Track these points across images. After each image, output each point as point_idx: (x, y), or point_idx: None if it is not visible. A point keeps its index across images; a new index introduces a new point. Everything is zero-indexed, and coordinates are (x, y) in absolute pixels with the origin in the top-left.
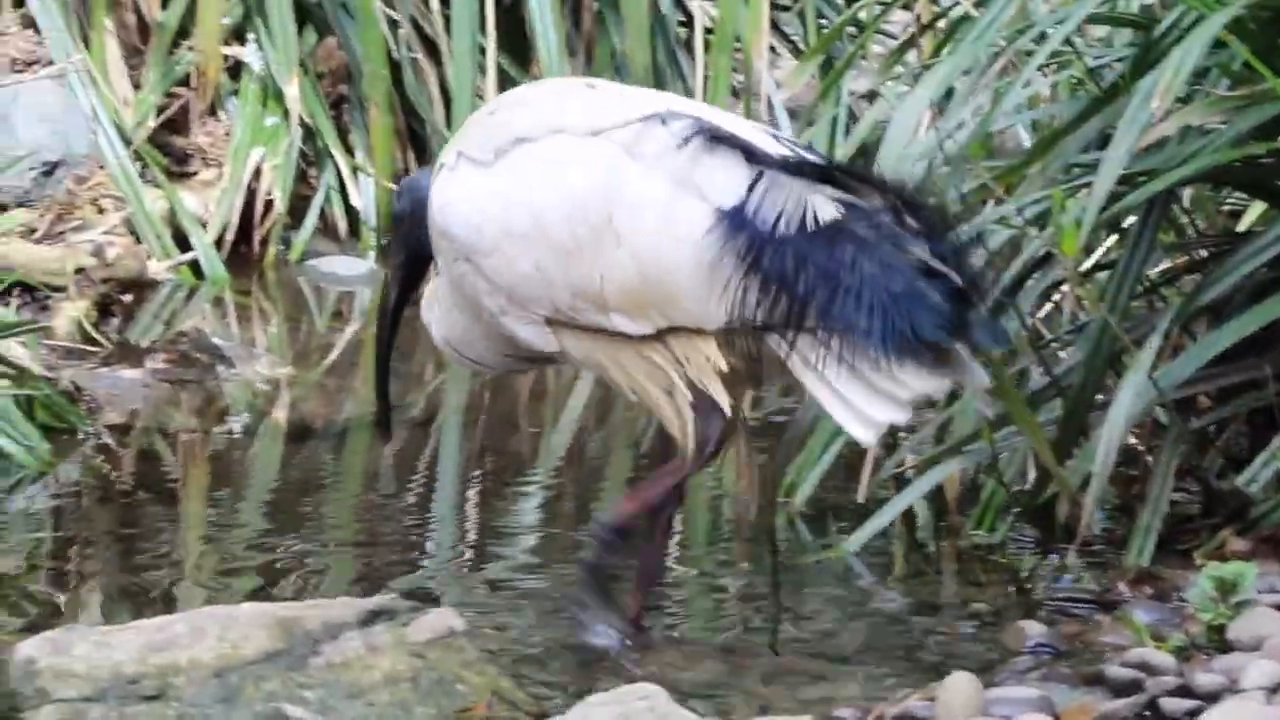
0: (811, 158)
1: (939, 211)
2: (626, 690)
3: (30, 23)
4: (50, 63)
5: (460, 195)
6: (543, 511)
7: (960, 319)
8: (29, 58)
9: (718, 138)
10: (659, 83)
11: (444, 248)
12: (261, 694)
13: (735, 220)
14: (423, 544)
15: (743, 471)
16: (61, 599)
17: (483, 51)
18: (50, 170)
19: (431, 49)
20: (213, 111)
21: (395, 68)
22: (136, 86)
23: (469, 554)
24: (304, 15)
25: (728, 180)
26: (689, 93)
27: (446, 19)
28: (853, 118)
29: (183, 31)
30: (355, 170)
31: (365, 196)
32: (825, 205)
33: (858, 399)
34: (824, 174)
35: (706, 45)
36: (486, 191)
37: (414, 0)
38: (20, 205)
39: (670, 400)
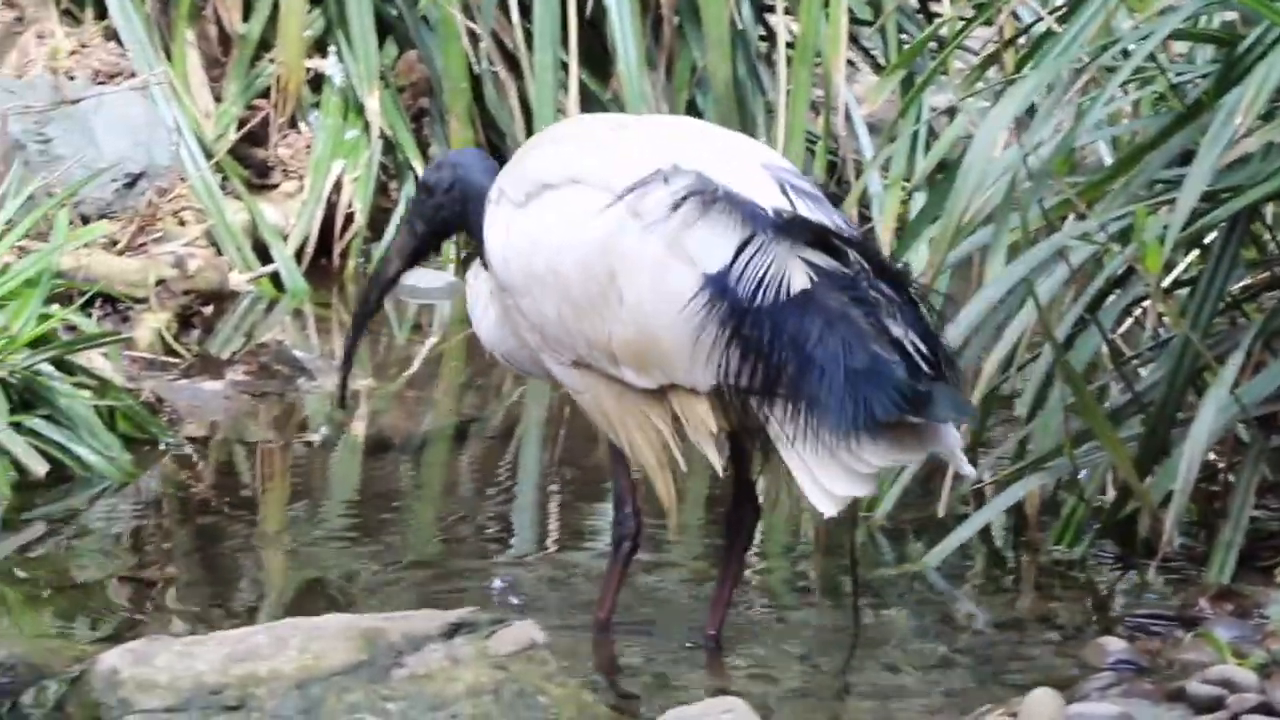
0: (808, 212)
1: (906, 278)
2: (709, 703)
3: (113, 35)
4: (133, 75)
5: (499, 232)
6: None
7: (919, 395)
8: (112, 70)
9: (714, 198)
10: (739, 97)
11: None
12: (344, 705)
13: (718, 286)
14: (503, 556)
15: None
16: (142, 610)
17: (564, 66)
18: (132, 182)
19: (512, 63)
20: (293, 124)
21: (476, 81)
22: (217, 99)
23: (550, 566)
24: (385, 28)
25: (716, 245)
26: (769, 107)
27: (528, 33)
28: (933, 134)
29: (264, 44)
30: None
31: None
32: (799, 274)
33: (821, 471)
34: (813, 235)
35: (787, 60)
36: (518, 231)
37: (495, 14)
38: (103, 217)
39: (662, 458)
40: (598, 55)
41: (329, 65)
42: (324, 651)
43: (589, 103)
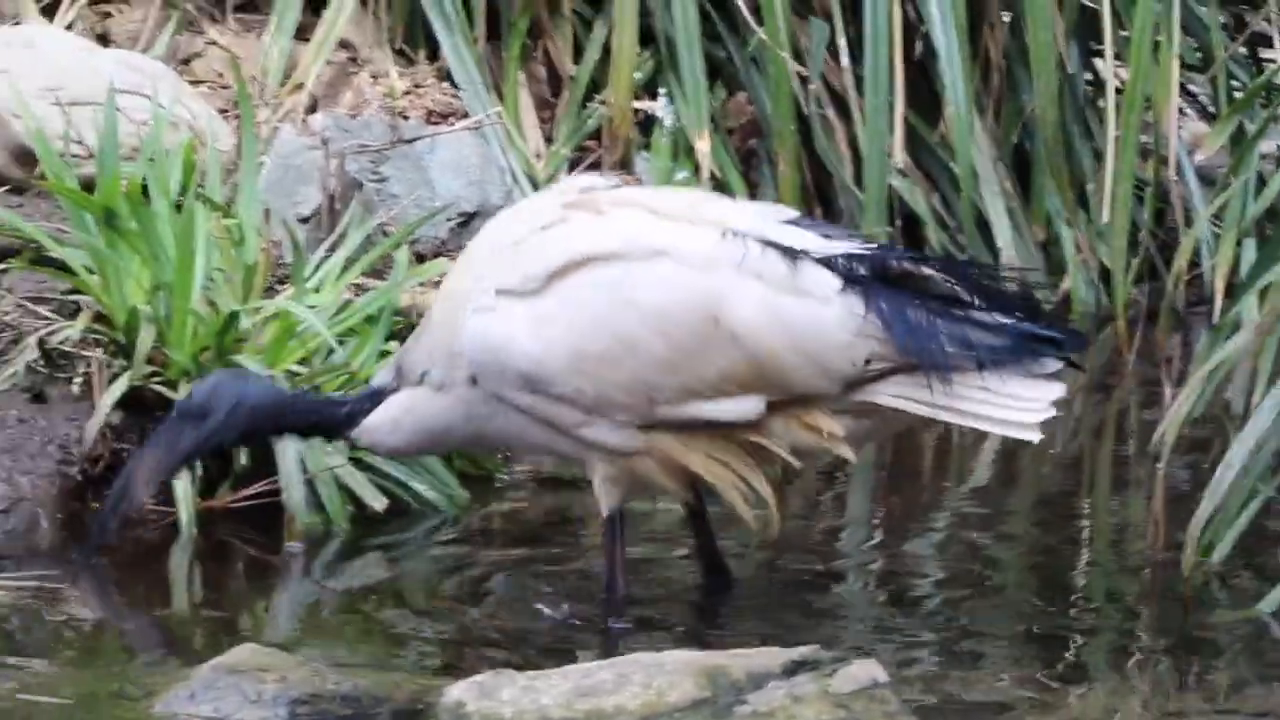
0: (859, 252)
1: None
2: None
3: (446, 75)
4: (465, 115)
5: (512, 333)
6: (956, 564)
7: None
8: (445, 110)
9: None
10: (1067, 142)
11: (486, 389)
12: None
13: (858, 299)
14: (842, 594)
15: (1154, 527)
16: (474, 643)
17: (891, 109)
18: (466, 221)
19: (841, 105)
20: (624, 165)
21: (804, 123)
22: (548, 140)
23: (889, 605)
24: (714, 71)
25: (821, 277)
26: (1097, 153)
27: (856, 76)
28: (1261, 181)
29: (594, 85)
30: None
31: None
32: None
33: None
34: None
35: (1115, 105)
36: (540, 322)
37: (824, 57)
38: (437, 255)
39: (737, 481)
40: (925, 98)
41: (659, 107)
42: (666, 688)
43: (916, 145)
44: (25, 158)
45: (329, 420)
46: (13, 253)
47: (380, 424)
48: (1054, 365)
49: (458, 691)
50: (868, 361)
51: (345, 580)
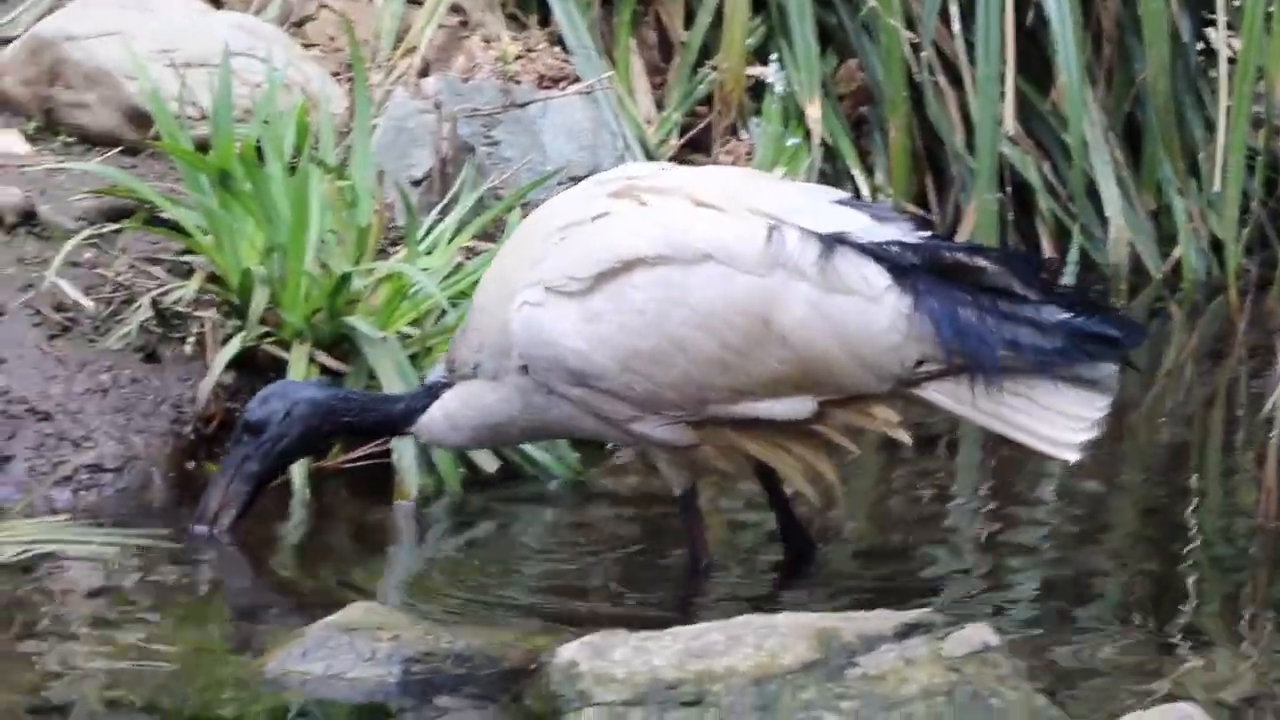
0: (912, 240)
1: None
2: (1167, 708)
3: (557, 40)
4: (577, 80)
5: (562, 330)
6: (1063, 531)
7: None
8: (556, 74)
9: (834, 240)
10: (1179, 111)
11: (536, 378)
12: (798, 703)
13: (908, 296)
14: (954, 558)
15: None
16: (591, 604)
17: (1003, 76)
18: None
19: (953, 73)
20: (734, 131)
21: (915, 90)
22: (659, 105)
23: (998, 570)
24: (826, 37)
25: (869, 272)
26: (1209, 123)
27: (968, 43)
28: None
29: (705, 51)
30: (875, 191)
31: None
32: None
33: (1049, 425)
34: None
35: (1228, 75)
36: (589, 320)
37: (936, 24)
38: None
39: (803, 467)
40: (1036, 66)
41: (770, 73)
42: (779, 650)
43: (1027, 113)
44: (139, 119)
45: (387, 417)
46: (127, 213)
47: (438, 420)
48: (1108, 368)
49: (570, 651)
50: (918, 363)
51: (456, 541)
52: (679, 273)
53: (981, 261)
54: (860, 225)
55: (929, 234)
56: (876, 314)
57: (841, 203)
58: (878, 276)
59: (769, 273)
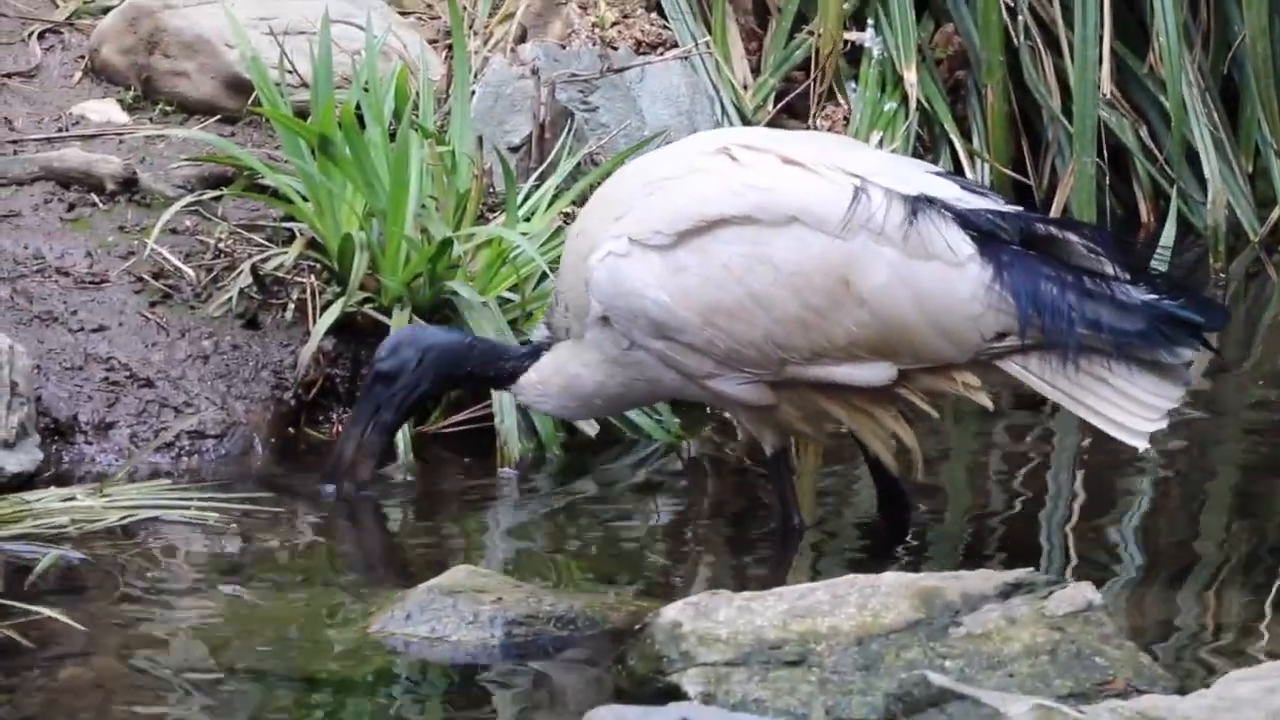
0: (989, 204)
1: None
2: (1271, 666)
3: (654, 6)
4: (674, 45)
5: (646, 280)
6: (1156, 492)
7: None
8: (654, 40)
9: (923, 205)
10: (1277, 75)
11: (617, 329)
12: (902, 662)
13: (991, 266)
14: (1056, 518)
15: None
16: (694, 566)
17: (1100, 40)
18: None
19: (1049, 36)
20: (831, 96)
21: (1012, 54)
22: (754, 70)
23: (1100, 530)
24: (922, 2)
25: (954, 240)
26: None
27: (1065, 7)
28: None
29: (801, 16)
30: (971, 155)
31: (980, 181)
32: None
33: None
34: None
35: None
36: (688, 271)
37: None
38: None
39: (879, 430)
40: (1133, 30)
41: (867, 38)
42: (881, 609)
43: (1124, 77)
44: (237, 87)
45: (497, 373)
46: (226, 181)
47: (531, 385)
48: (1188, 354)
49: (673, 612)
50: (998, 335)
51: (558, 504)
52: (765, 232)
53: (1073, 237)
54: (951, 194)
55: (1021, 208)
56: (959, 282)
57: (935, 174)
58: (962, 243)
59: (852, 236)
